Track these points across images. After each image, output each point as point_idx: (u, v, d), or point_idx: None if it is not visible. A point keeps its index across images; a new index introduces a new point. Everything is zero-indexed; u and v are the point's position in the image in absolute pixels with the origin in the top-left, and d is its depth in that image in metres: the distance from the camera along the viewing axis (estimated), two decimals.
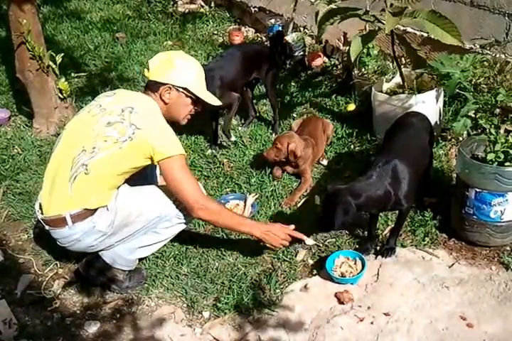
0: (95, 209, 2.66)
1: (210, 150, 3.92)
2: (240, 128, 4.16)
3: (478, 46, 3.78)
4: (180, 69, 2.77)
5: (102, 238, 2.72)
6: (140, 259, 2.97)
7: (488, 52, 3.77)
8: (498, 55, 3.44)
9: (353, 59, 3.18)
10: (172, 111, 2.82)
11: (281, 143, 3.46)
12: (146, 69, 2.81)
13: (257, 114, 4.27)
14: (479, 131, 3.01)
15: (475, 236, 2.97)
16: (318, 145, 3.64)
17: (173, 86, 2.75)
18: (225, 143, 3.97)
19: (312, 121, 3.84)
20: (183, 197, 2.65)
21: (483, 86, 3.08)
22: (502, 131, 2.83)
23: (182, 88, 2.77)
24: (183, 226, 2.89)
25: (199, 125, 4.13)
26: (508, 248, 2.97)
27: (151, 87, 2.77)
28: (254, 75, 3.95)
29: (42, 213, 2.74)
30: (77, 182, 2.61)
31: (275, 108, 4.08)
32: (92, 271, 2.89)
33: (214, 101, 2.93)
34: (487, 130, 2.82)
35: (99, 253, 2.83)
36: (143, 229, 2.78)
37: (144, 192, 2.80)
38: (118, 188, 2.73)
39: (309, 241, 3.06)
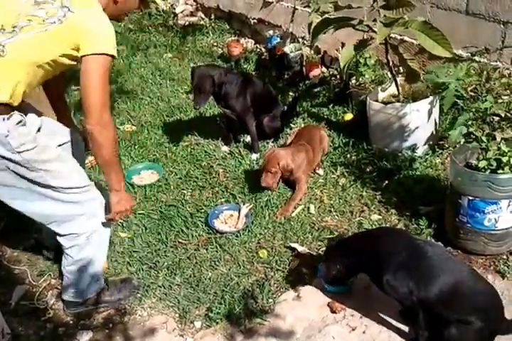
0: (9, 110, 2.31)
1: (224, 147, 4.05)
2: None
3: (469, 54, 3.79)
4: None
5: (10, 164, 2.34)
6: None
7: (485, 60, 3.78)
8: (491, 63, 3.45)
9: (342, 65, 3.20)
10: (118, 10, 2.56)
11: (272, 166, 3.40)
12: None
13: None
14: (472, 138, 2.98)
15: (470, 245, 2.95)
16: (314, 153, 3.64)
17: None
18: (223, 153, 4.01)
19: (309, 130, 3.85)
20: (89, 105, 2.33)
21: (472, 94, 3.08)
22: (498, 139, 2.81)
23: None
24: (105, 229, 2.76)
25: (194, 136, 4.17)
26: (504, 256, 2.94)
27: None
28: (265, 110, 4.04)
29: None
30: None
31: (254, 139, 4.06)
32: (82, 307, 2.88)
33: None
34: (479, 138, 2.81)
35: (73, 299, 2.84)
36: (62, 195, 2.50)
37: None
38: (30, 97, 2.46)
39: (302, 249, 3.07)
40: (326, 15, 3.28)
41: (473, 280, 2.40)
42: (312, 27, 3.30)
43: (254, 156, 3.93)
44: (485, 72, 3.09)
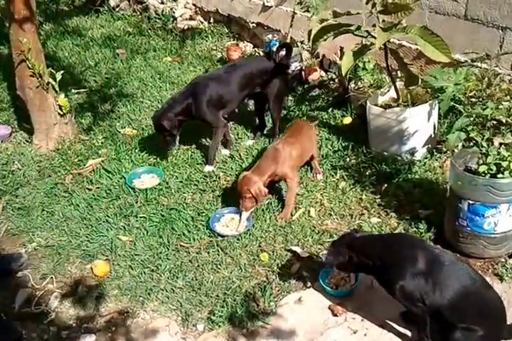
0: None
1: (225, 151, 4.07)
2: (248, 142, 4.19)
3: (469, 60, 3.83)
4: None
5: None
6: None
7: (485, 65, 3.80)
8: (491, 68, 3.48)
9: (343, 73, 3.22)
10: None
11: (245, 192, 3.34)
12: None
13: (265, 132, 4.31)
14: (472, 143, 3.01)
15: (469, 248, 2.98)
16: (303, 147, 3.58)
17: None
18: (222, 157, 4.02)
19: (298, 125, 3.82)
20: None
21: (473, 99, 3.11)
22: (496, 143, 2.84)
23: None
24: None
25: (195, 141, 4.19)
26: (502, 259, 2.98)
27: None
28: (255, 90, 4.01)
29: None
30: None
31: (276, 123, 4.13)
32: None
33: None
34: (479, 142, 2.84)
35: None
36: None
37: None
38: None
39: (303, 252, 3.09)
40: (325, 23, 3.30)
41: (485, 291, 2.43)
42: (312, 34, 3.33)
43: (209, 164, 3.92)
44: (486, 78, 3.12)
